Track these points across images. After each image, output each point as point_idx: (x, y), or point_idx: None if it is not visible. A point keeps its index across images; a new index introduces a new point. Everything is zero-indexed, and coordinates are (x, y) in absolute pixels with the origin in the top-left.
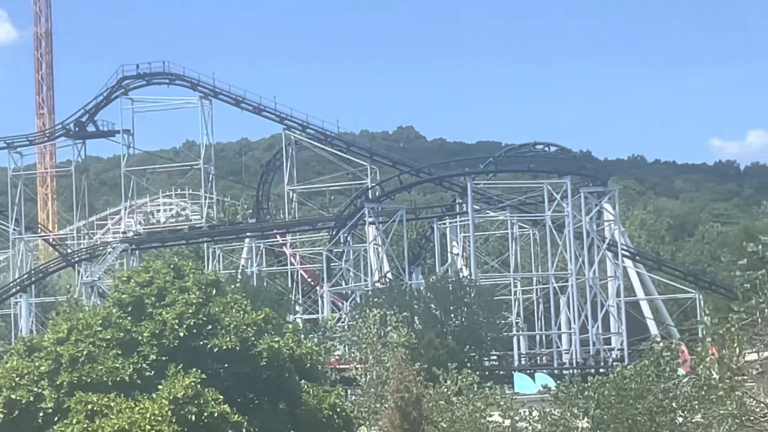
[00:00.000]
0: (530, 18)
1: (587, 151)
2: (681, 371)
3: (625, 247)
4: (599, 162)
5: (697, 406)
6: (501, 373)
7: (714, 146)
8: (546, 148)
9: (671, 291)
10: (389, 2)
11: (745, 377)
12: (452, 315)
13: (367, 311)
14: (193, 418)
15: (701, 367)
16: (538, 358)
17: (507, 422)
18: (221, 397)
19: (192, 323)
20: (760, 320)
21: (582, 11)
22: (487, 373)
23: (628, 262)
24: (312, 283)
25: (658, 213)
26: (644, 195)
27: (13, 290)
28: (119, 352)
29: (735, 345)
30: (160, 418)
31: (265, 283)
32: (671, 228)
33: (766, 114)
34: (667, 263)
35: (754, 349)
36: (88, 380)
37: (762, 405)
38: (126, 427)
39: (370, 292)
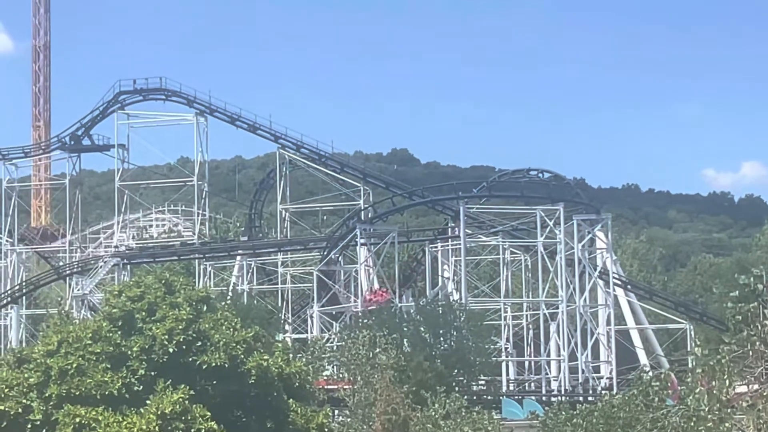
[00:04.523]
0: (527, 48)
1: (581, 179)
2: (670, 401)
3: (616, 276)
4: (593, 190)
5: None
6: (489, 398)
7: (708, 177)
8: (540, 175)
9: (662, 321)
10: (384, 28)
11: (735, 409)
12: (441, 338)
13: (357, 332)
14: None
15: (691, 398)
16: (527, 384)
17: None
18: (209, 414)
19: (181, 339)
20: (750, 353)
21: (581, 41)
22: (475, 397)
23: (620, 291)
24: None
25: (651, 242)
26: (637, 224)
27: (4, 301)
28: (108, 365)
29: (725, 377)
30: None
31: (255, 302)
32: (663, 258)
33: (760, 145)
34: (658, 293)
35: (744, 382)
36: (77, 393)
37: None
38: None
39: (360, 314)
